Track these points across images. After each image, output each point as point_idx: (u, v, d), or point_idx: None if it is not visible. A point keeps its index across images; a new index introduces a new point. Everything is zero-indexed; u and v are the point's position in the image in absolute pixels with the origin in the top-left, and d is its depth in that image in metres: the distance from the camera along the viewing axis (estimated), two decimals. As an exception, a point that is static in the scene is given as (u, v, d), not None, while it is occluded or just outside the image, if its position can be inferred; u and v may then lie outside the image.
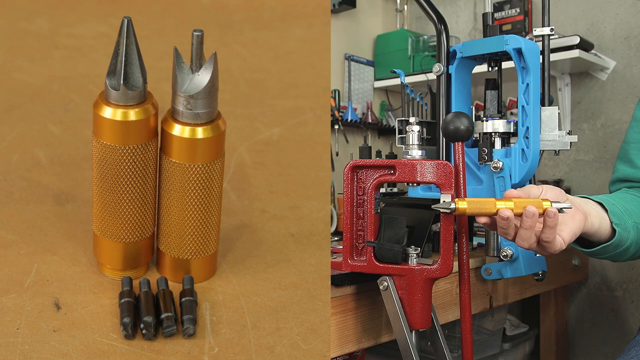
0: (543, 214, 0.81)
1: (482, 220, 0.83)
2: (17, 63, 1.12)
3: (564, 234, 0.85)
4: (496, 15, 1.91)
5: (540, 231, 0.83)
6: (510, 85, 1.35)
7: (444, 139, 1.17)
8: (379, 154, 1.70)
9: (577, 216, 0.88)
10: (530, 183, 1.10)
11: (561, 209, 0.82)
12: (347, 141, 2.04)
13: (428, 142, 1.21)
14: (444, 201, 0.82)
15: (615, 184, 1.17)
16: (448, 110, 1.17)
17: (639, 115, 1.16)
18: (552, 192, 0.86)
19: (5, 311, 0.80)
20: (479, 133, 1.13)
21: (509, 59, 1.11)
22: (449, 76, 1.17)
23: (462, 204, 0.81)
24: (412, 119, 0.91)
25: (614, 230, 0.96)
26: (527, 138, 1.08)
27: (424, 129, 1.21)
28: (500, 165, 1.08)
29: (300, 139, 1.04)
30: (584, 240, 0.98)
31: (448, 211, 0.81)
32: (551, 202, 0.82)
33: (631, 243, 0.99)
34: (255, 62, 1.16)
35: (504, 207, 0.80)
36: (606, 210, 0.96)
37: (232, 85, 1.11)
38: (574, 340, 1.86)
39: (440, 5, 2.12)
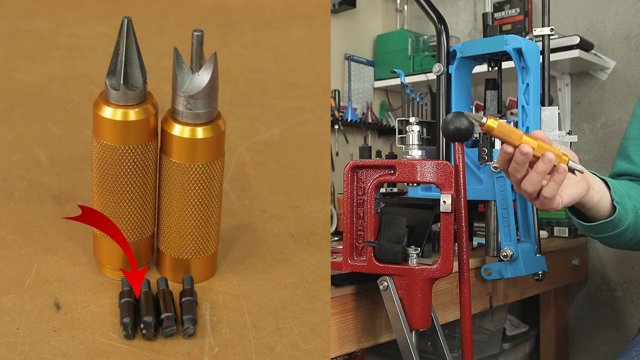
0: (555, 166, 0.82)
1: (504, 151, 0.82)
2: (17, 63, 1.12)
3: (564, 196, 0.86)
4: (496, 15, 1.91)
5: (545, 184, 0.83)
6: (510, 85, 1.35)
7: (444, 139, 1.17)
8: (379, 154, 1.70)
9: (581, 184, 0.89)
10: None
11: (574, 170, 0.82)
12: (347, 141, 2.04)
13: (428, 142, 1.21)
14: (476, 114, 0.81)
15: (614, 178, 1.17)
16: (448, 110, 1.17)
17: (639, 112, 1.16)
18: (569, 155, 0.87)
19: (5, 311, 0.80)
20: (479, 133, 1.13)
21: (509, 59, 1.11)
22: (449, 76, 1.17)
23: (492, 122, 0.79)
24: (412, 119, 0.91)
25: (614, 209, 0.97)
26: (527, 138, 1.08)
27: (424, 129, 1.21)
28: (501, 165, 1.08)
29: (300, 139, 1.04)
30: (582, 215, 0.99)
31: (478, 123, 0.80)
32: (569, 159, 0.82)
33: (629, 225, 1.00)
34: (255, 62, 1.16)
35: (527, 144, 0.80)
36: (609, 189, 0.97)
37: (232, 85, 1.11)
38: (574, 340, 1.86)
39: (440, 5, 2.12)
